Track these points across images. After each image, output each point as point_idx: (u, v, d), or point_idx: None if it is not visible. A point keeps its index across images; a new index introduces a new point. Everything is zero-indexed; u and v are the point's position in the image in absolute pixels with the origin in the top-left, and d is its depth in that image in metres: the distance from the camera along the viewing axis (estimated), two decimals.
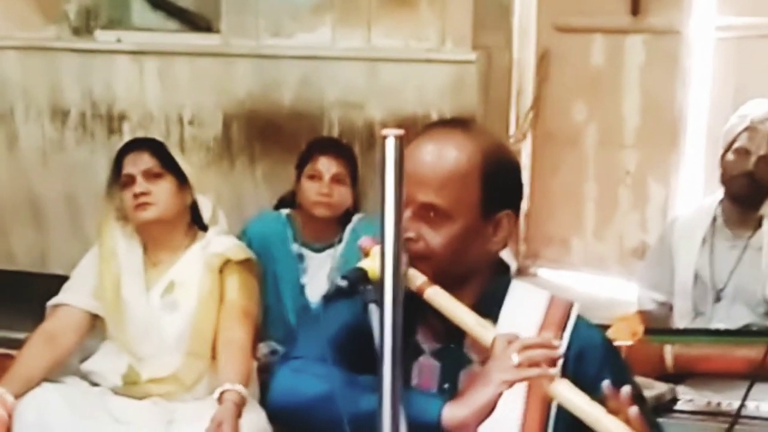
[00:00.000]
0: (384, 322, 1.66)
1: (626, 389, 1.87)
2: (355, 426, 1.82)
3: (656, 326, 3.73)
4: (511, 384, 1.88)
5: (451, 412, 1.91)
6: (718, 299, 3.70)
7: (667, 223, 4.06)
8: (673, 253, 3.81)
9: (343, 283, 1.92)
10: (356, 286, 1.92)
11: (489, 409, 1.88)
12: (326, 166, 3.87)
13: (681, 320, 3.75)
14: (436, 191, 2.03)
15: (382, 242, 1.64)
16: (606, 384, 1.88)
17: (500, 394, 1.88)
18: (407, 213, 2.03)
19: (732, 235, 3.71)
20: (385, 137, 1.61)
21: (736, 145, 3.63)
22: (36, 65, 4.91)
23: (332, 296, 1.94)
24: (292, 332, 3.70)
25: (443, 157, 2.05)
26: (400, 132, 1.60)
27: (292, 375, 2.10)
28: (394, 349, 1.65)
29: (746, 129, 3.62)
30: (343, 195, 3.88)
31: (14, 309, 4.23)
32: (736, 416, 2.92)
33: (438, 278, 2.03)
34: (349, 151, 4.05)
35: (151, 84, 4.80)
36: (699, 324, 3.69)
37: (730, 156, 3.65)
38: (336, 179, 3.87)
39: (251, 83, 4.69)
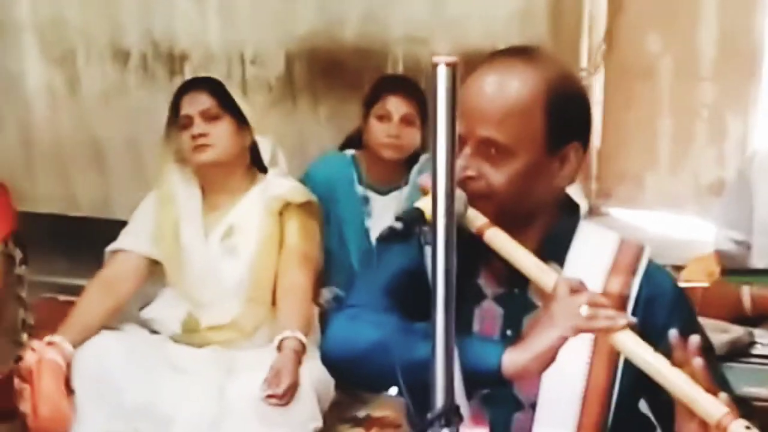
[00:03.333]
0: (437, 265, 1.58)
1: (694, 340, 1.78)
2: (409, 374, 1.72)
3: (734, 266, 3.60)
4: (576, 331, 1.79)
5: (512, 358, 1.81)
6: None
7: (746, 158, 3.91)
8: (753, 188, 3.66)
9: (398, 225, 1.80)
10: (412, 228, 1.80)
11: (551, 355, 1.79)
12: (395, 106, 3.77)
13: (760, 260, 3.61)
14: (497, 125, 1.92)
15: (433, 180, 1.55)
16: (673, 334, 1.79)
17: (564, 340, 1.79)
18: (467, 149, 1.94)
19: None
20: (435, 65, 1.50)
21: None
22: (96, 6, 4.87)
23: (387, 238, 1.83)
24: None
25: (504, 88, 1.93)
26: (453, 59, 1.49)
27: (347, 324, 2.02)
28: (447, 295, 1.58)
29: None
30: (412, 136, 3.79)
31: (78, 255, 4.20)
32: None
33: (501, 218, 1.93)
34: (419, 89, 3.91)
35: (212, 22, 4.74)
36: None
37: None
38: (405, 120, 3.78)
39: (313, 19, 4.61)
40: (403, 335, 1.87)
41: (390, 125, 3.76)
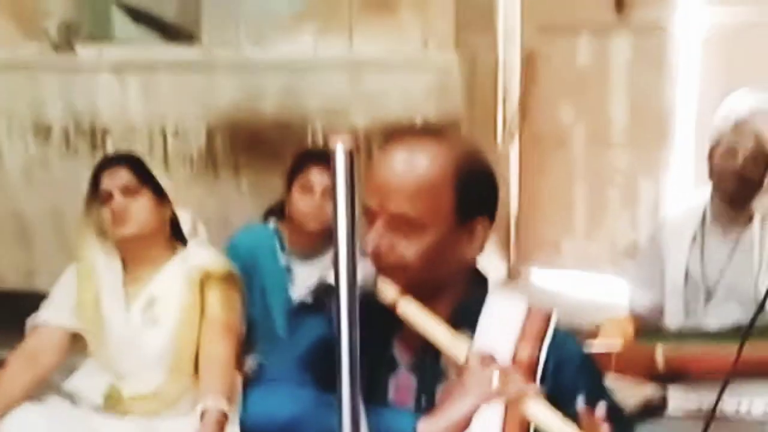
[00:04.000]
0: (341, 337, 1.61)
1: (601, 407, 1.85)
2: None
3: (647, 326, 3.70)
4: (488, 399, 1.85)
5: (426, 427, 1.87)
6: (709, 297, 3.65)
7: (657, 223, 4.01)
8: (664, 251, 3.77)
9: (308, 298, 1.88)
10: (322, 301, 1.88)
11: (465, 424, 1.85)
12: (318, 178, 3.80)
13: (672, 319, 3.70)
14: (408, 201, 1.98)
15: (335, 257, 1.60)
16: (580, 401, 1.86)
17: (476, 408, 1.85)
18: (379, 223, 2.00)
19: (722, 233, 3.66)
20: (333, 145, 1.57)
21: (722, 143, 3.58)
22: (18, 82, 4.92)
23: (298, 312, 1.90)
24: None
25: (414, 165, 2.00)
26: (348, 138, 1.56)
27: (265, 397, 2.06)
28: (352, 366, 1.60)
29: (732, 128, 3.57)
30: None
31: (2, 329, 4.19)
32: (711, 415, 2.86)
33: (413, 289, 1.98)
34: None
35: (133, 98, 4.81)
36: (690, 323, 3.64)
37: (717, 154, 3.60)
38: (328, 192, 3.80)
39: (234, 94, 4.69)
40: (319, 409, 1.91)
41: (313, 197, 3.80)
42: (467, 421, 1.85)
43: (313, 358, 2.04)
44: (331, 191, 3.68)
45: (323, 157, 3.87)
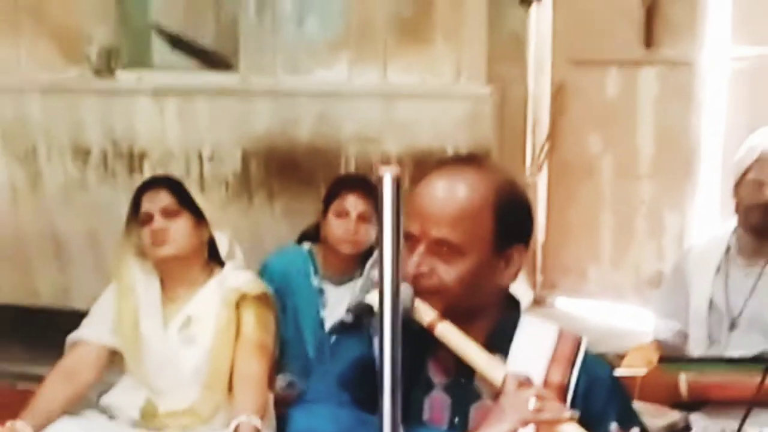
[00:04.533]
0: (383, 357, 1.68)
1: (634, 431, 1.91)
2: None
3: (672, 354, 3.73)
4: (524, 423, 1.91)
5: None
6: (732, 327, 3.68)
7: (682, 253, 4.06)
8: (688, 281, 3.81)
9: (348, 318, 1.96)
10: (361, 320, 1.96)
11: None
12: (353, 204, 3.89)
13: (696, 348, 3.73)
14: (450, 227, 2.06)
15: (380, 278, 1.68)
16: (613, 427, 1.92)
17: (513, 431, 1.91)
18: (421, 248, 2.07)
19: (746, 264, 3.70)
20: (381, 175, 1.66)
21: (748, 176, 3.63)
22: (58, 106, 5.03)
23: (338, 331, 1.98)
24: (312, 365, 3.73)
25: (456, 193, 2.09)
26: (397, 169, 1.65)
27: (306, 418, 2.12)
28: (393, 386, 1.65)
29: (757, 160, 3.63)
30: (368, 232, 3.91)
31: (38, 344, 4.28)
32: None
33: (450, 313, 2.06)
34: (374, 188, 3.99)
35: (171, 122, 4.89)
36: (714, 352, 3.66)
37: (743, 188, 3.65)
38: (362, 217, 3.89)
39: (269, 120, 4.77)
40: (359, 429, 1.99)
41: (348, 221, 3.88)
42: None
43: (352, 377, 2.11)
44: (367, 217, 3.79)
45: (358, 184, 3.99)
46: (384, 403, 1.66)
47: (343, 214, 3.90)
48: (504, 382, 1.96)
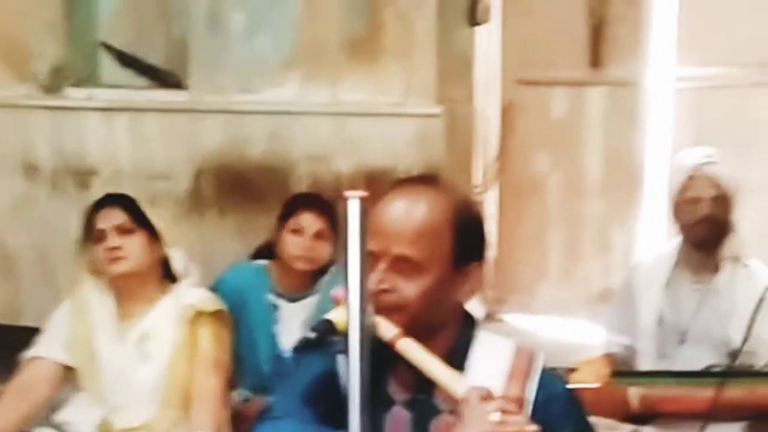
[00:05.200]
0: (351, 373, 1.72)
1: None
2: None
3: (621, 369, 3.79)
4: None
5: None
6: (682, 341, 3.75)
7: (630, 269, 4.12)
8: (636, 297, 3.87)
9: (312, 335, 1.98)
10: (324, 338, 1.98)
11: None
12: (309, 222, 3.90)
13: (645, 362, 3.80)
14: (410, 244, 2.09)
15: (347, 299, 1.71)
16: None
17: None
18: (381, 265, 2.09)
19: (693, 279, 3.78)
20: (347, 198, 1.69)
21: (685, 195, 3.72)
22: (7, 123, 4.99)
23: (301, 348, 1.99)
24: (265, 380, 3.78)
25: (416, 211, 2.11)
26: (363, 194, 1.68)
27: None
28: (362, 400, 1.72)
29: (690, 178, 3.71)
30: (323, 249, 3.92)
31: None
32: None
33: (410, 329, 2.07)
34: (330, 206, 4.02)
35: (121, 140, 4.88)
36: (663, 366, 3.73)
37: (681, 207, 3.73)
38: (317, 235, 3.90)
39: (220, 138, 4.78)
40: None
41: (303, 239, 3.89)
42: None
43: (316, 394, 2.12)
44: (322, 234, 3.80)
45: (314, 203, 4.00)
46: (352, 419, 1.70)
47: (298, 231, 3.91)
48: (466, 396, 1.97)
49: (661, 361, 3.77)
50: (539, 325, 4.94)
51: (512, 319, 5.07)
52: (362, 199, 1.66)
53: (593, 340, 4.23)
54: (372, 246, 2.09)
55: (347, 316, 1.70)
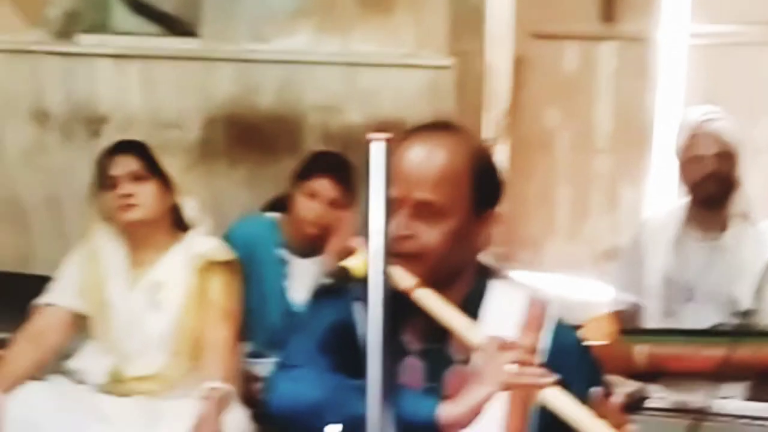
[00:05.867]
0: (370, 320, 1.72)
1: (619, 396, 1.97)
2: (354, 429, 1.88)
3: (628, 326, 3.81)
4: (504, 387, 1.94)
5: (447, 411, 1.97)
6: (688, 300, 3.76)
7: (638, 225, 4.12)
8: (644, 254, 3.88)
9: (328, 281, 1.99)
10: (340, 285, 1.99)
11: (481, 409, 1.95)
12: (325, 188, 3.80)
13: (651, 321, 3.82)
14: (432, 189, 2.10)
15: (369, 243, 1.71)
16: (595, 391, 1.95)
17: (493, 395, 1.95)
18: (403, 211, 2.10)
19: (701, 237, 3.79)
20: (370, 141, 1.69)
21: (690, 153, 3.73)
22: (18, 68, 4.98)
23: (318, 294, 2.00)
24: (276, 334, 3.74)
25: (436, 156, 2.12)
26: (387, 136, 1.68)
27: (289, 384, 2.16)
28: (381, 348, 1.72)
29: (692, 136, 3.72)
30: (335, 219, 3.81)
31: None
32: (699, 412, 3.01)
33: (427, 278, 2.09)
34: (348, 170, 3.88)
35: (132, 87, 4.86)
36: (670, 324, 3.75)
37: (687, 166, 3.74)
38: (332, 203, 3.80)
39: (231, 87, 4.76)
40: (343, 393, 2.02)
41: (317, 205, 3.81)
42: (483, 407, 1.95)
43: (332, 342, 2.15)
44: (337, 203, 3.70)
45: (332, 168, 3.87)
46: (371, 367, 1.71)
47: (312, 196, 3.82)
48: (483, 345, 1.99)
49: (668, 319, 3.79)
50: (546, 283, 4.94)
51: (518, 275, 5.06)
52: (387, 141, 1.65)
53: (600, 298, 4.24)
54: (393, 192, 2.10)
55: (367, 261, 1.69)
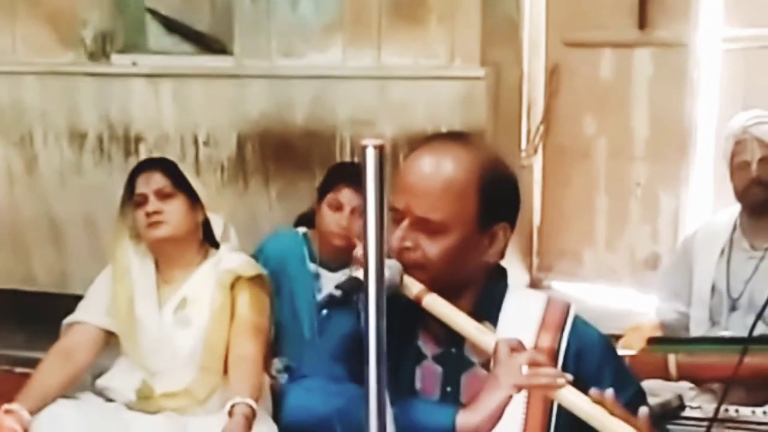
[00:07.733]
0: (368, 329, 1.68)
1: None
2: None
3: (663, 336, 3.78)
4: (519, 389, 1.93)
5: (465, 419, 1.95)
6: (733, 309, 3.72)
7: (689, 234, 4.06)
8: (693, 263, 3.84)
9: (337, 293, 1.98)
10: (350, 295, 1.98)
11: (500, 414, 1.93)
12: (348, 198, 3.80)
13: (697, 329, 3.77)
14: (432, 207, 2.08)
15: (364, 251, 1.69)
16: (609, 393, 1.92)
17: (510, 399, 1.93)
18: (405, 222, 2.09)
19: (749, 246, 3.75)
20: (364, 147, 1.66)
21: (736, 160, 3.69)
22: (54, 90, 5.02)
23: (327, 305, 1.99)
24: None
25: (440, 170, 2.09)
26: (380, 142, 1.66)
27: (304, 394, 2.16)
28: (378, 357, 1.68)
29: (736, 144, 3.68)
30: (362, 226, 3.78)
31: (36, 329, 4.29)
32: (713, 419, 2.96)
33: (435, 286, 2.07)
34: None
35: (166, 106, 4.89)
36: (714, 333, 3.70)
37: (735, 173, 3.71)
38: (357, 212, 3.76)
39: (264, 103, 4.77)
40: (358, 403, 2.00)
41: (341, 216, 3.81)
42: (503, 411, 1.93)
43: (344, 352, 2.13)
44: (361, 200, 3.70)
45: (354, 177, 3.80)
46: (370, 375, 1.68)
47: (336, 207, 3.82)
48: (495, 348, 1.97)
49: (713, 328, 3.73)
50: (585, 293, 4.90)
51: (558, 286, 5.03)
52: (379, 148, 1.63)
53: (639, 307, 4.20)
54: (397, 203, 2.10)
55: (365, 272, 1.67)
